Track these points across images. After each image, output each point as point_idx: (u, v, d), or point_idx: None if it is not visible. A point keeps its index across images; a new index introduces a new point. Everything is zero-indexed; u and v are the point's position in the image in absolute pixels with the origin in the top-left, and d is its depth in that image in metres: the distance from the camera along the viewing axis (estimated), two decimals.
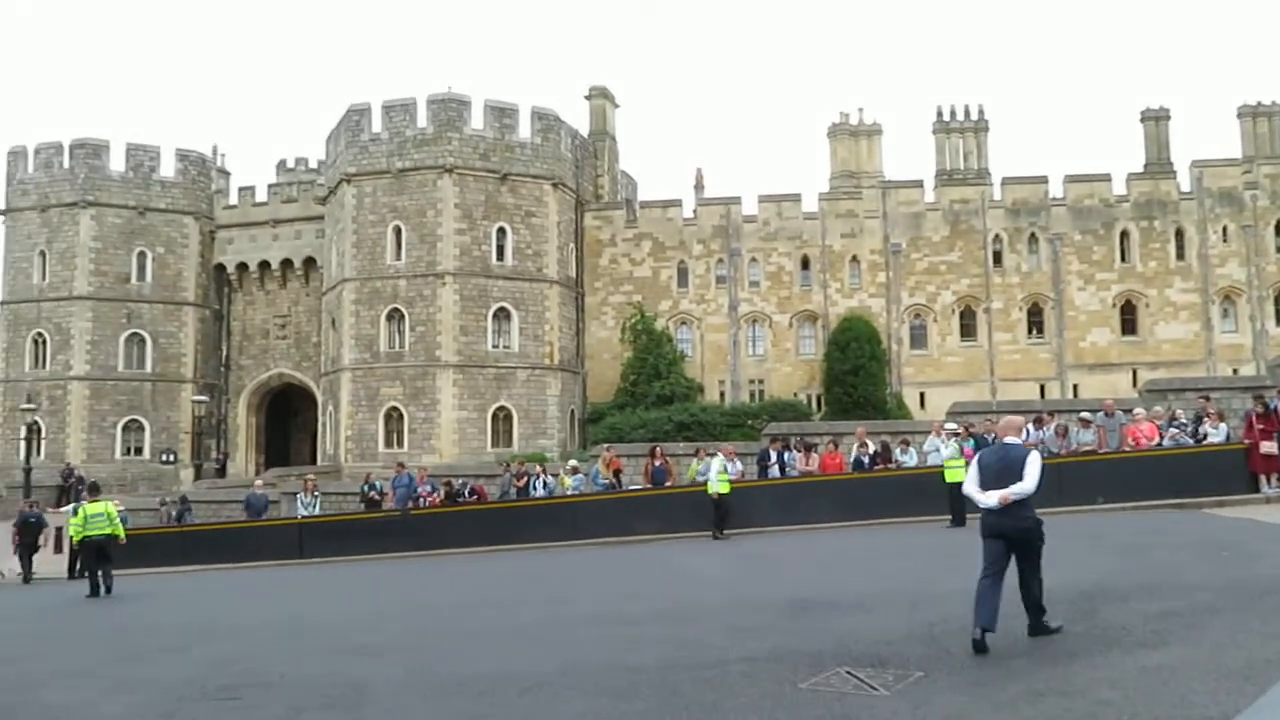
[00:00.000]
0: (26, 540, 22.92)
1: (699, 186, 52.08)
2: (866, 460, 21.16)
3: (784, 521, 19.70)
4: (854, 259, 44.29)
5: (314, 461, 43.69)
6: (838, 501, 18.86)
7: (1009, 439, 8.40)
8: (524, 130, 41.49)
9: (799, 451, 22.02)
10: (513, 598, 13.95)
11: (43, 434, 43.46)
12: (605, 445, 26.78)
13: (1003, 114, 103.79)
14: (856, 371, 41.10)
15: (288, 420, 50.82)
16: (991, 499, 7.88)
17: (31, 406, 40.02)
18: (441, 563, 19.78)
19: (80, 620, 15.82)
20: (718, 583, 13.80)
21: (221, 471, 46.30)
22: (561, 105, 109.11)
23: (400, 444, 39.11)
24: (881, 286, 43.96)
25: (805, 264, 44.54)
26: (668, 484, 22.17)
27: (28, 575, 22.80)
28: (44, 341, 45.75)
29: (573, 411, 42.75)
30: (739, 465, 22.18)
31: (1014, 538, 7.83)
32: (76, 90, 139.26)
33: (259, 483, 26.54)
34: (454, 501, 23.33)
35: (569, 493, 22.41)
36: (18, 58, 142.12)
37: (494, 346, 40.23)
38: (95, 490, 22.86)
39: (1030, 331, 43.55)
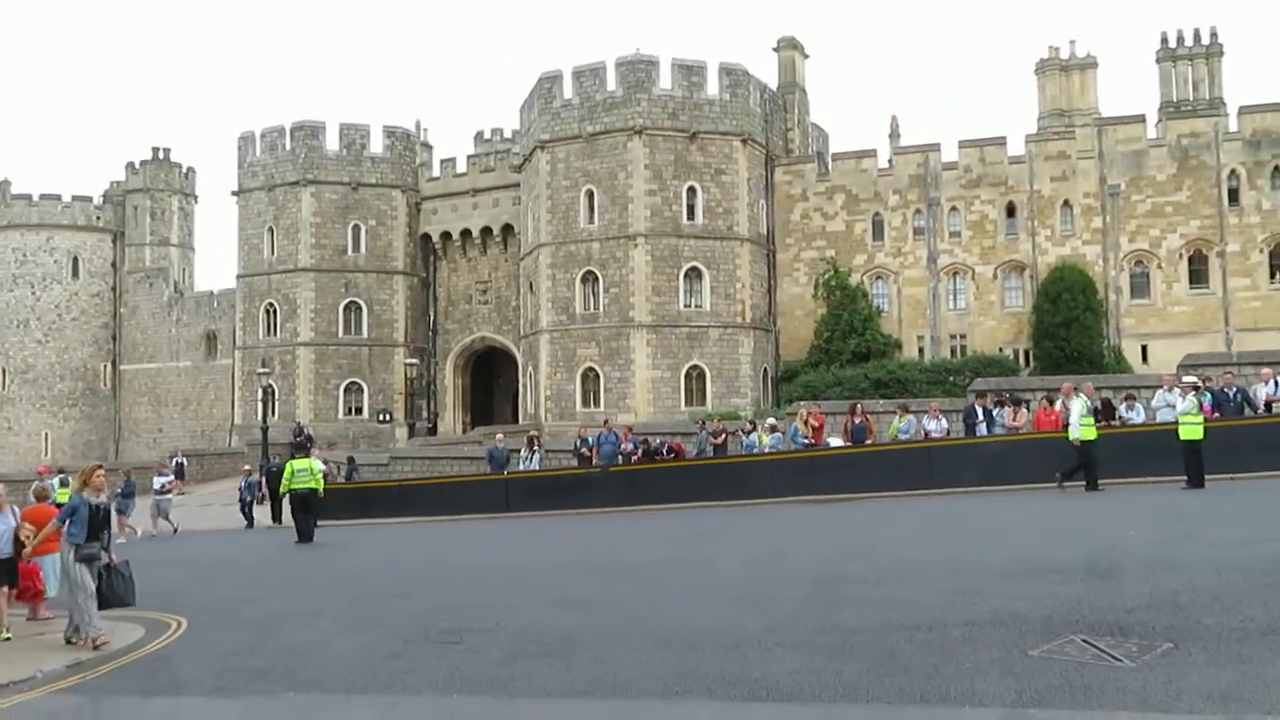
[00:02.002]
0: (273, 488, 25.05)
1: (894, 135, 50.02)
2: None
3: (993, 481, 18.69)
4: (1065, 204, 41.32)
5: (515, 420, 45.43)
6: (1054, 461, 17.63)
7: None
8: (712, 87, 41.02)
9: (1009, 408, 20.85)
10: (715, 555, 13.92)
11: (276, 396, 47.24)
12: (803, 403, 26.30)
13: (1238, 36, 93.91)
14: (1069, 324, 38.48)
15: (491, 381, 53.08)
16: None
17: (266, 371, 43.64)
18: (642, 519, 20.06)
19: (312, 564, 17.08)
20: (926, 544, 13.24)
21: (433, 430, 48.97)
22: (749, 59, 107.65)
23: (597, 403, 39.97)
24: (1097, 232, 40.83)
25: (1011, 211, 41.96)
26: (868, 441, 21.53)
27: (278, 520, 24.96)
28: (274, 311, 49.68)
29: (766, 370, 42.34)
30: (944, 422, 21.27)
31: None
32: (296, 73, 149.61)
33: (500, 436, 27.60)
34: (652, 459, 23.59)
35: (767, 450, 22.17)
36: (242, 45, 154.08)
37: (686, 306, 40.29)
38: (301, 448, 24.76)
39: (1273, 276, 39.32)
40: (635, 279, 39.85)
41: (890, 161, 44.07)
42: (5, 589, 10.98)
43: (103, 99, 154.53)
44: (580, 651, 8.04)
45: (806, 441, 21.79)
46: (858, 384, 36.34)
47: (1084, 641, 6.78)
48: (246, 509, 25.97)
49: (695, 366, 39.93)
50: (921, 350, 41.98)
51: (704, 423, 25.75)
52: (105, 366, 61.60)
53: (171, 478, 26.40)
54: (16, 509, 11.52)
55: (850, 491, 19.53)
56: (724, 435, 24.07)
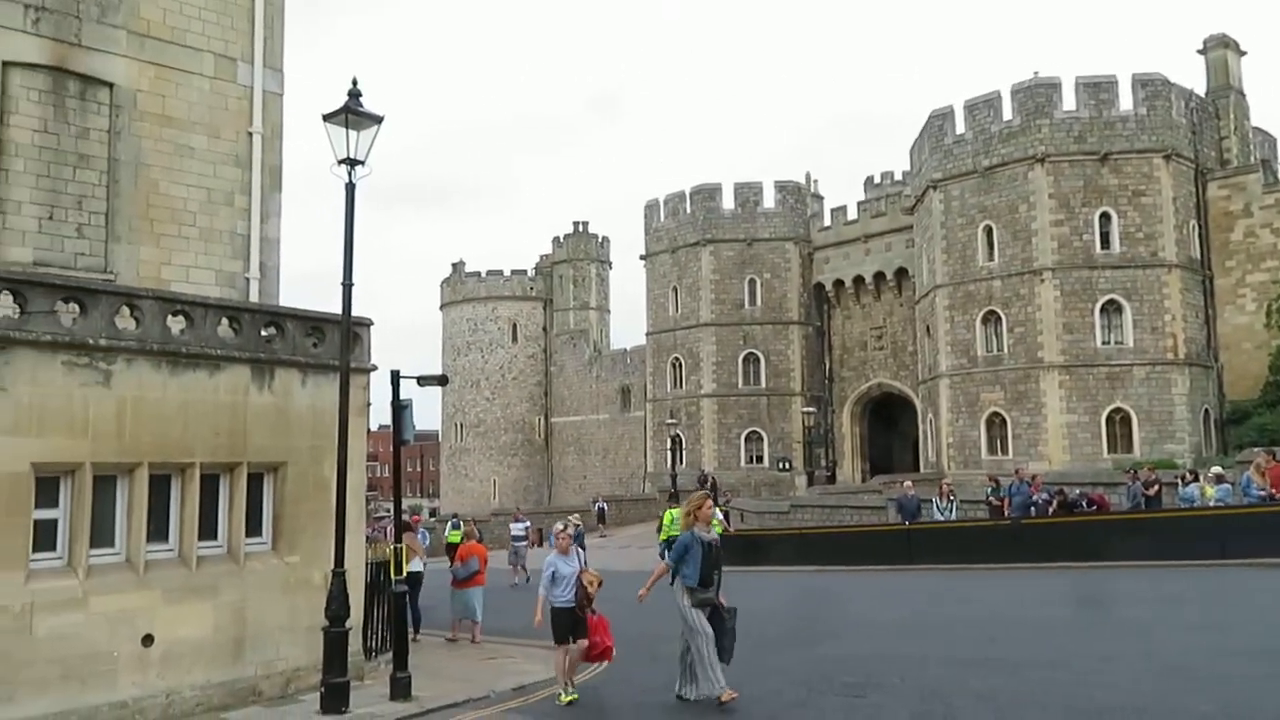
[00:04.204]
0: None
1: None
2: None
3: None
4: None
5: (916, 468, 44.02)
6: None
7: None
8: (1125, 102, 37.43)
9: None
10: (1148, 620, 12.42)
11: (683, 445, 50.09)
12: (1258, 449, 22.77)
13: None
14: None
15: (888, 428, 52.04)
16: None
17: (674, 421, 46.49)
18: (1058, 576, 18.42)
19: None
20: None
21: (831, 478, 48.94)
22: (1168, 65, 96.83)
23: (1004, 450, 37.54)
24: None
25: None
26: None
27: None
28: (680, 365, 52.90)
29: (1206, 411, 37.21)
30: None
31: None
32: (697, 144, 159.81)
33: (908, 484, 26.52)
34: (1069, 511, 21.66)
35: (1212, 504, 19.42)
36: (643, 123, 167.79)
37: (1104, 343, 36.72)
38: (674, 498, 25.34)
39: None
40: (1043, 316, 37.13)
41: None
42: (570, 643, 9.60)
43: (534, 187, 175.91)
44: (993, 718, 7.56)
45: (1263, 494, 18.76)
46: None
47: None
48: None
49: (1118, 409, 36.12)
50: None
51: (1135, 472, 23.17)
52: (539, 420, 69.21)
53: (528, 524, 25.61)
54: (583, 552, 10.20)
55: None
56: (1157, 486, 21.48)
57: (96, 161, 12.28)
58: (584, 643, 9.49)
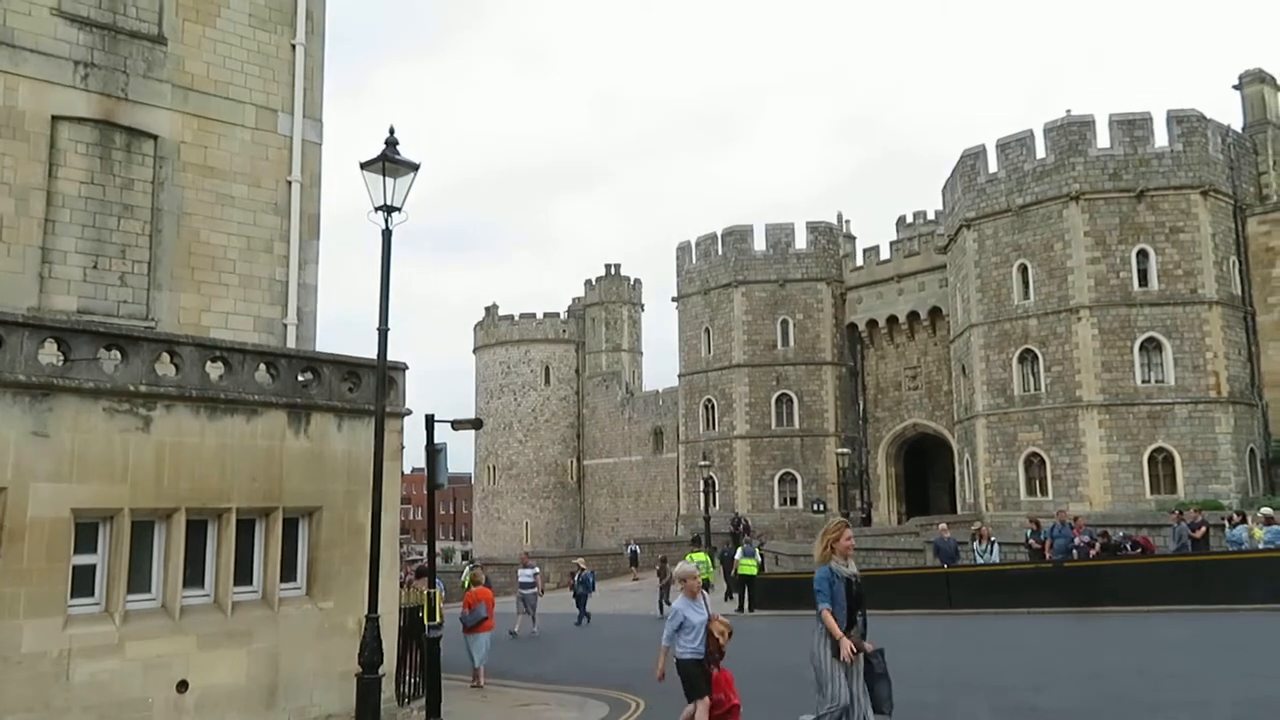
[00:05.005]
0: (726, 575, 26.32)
1: None
2: None
3: None
4: None
5: (953, 510, 43.36)
6: None
7: None
8: (1160, 139, 37.20)
9: None
10: (1198, 668, 12.05)
11: (716, 487, 49.74)
12: None
13: None
14: None
15: (924, 469, 51.40)
16: None
17: (706, 464, 46.21)
18: (1099, 621, 17.99)
19: (752, 653, 17.42)
20: None
21: (867, 520, 48.30)
22: (1204, 101, 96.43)
23: (1044, 491, 36.91)
24: None
25: None
26: None
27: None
28: (712, 406, 52.72)
29: (1252, 450, 36.42)
30: None
31: None
32: (723, 191, 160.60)
33: (943, 527, 25.88)
34: (1113, 554, 21.18)
35: (1261, 546, 18.93)
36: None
37: (1144, 381, 36.13)
38: (696, 542, 25.15)
39: None
40: (1080, 355, 36.65)
41: None
42: (705, 699, 8.66)
43: (565, 232, 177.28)
44: None
45: None
46: None
47: None
48: (580, 602, 24.59)
49: (1160, 449, 35.43)
50: None
51: (1180, 513, 22.69)
52: (571, 462, 69.12)
53: (537, 569, 24.32)
54: (708, 598, 9.37)
55: None
56: (1204, 528, 20.99)
57: (140, 211, 12.54)
58: (706, 701, 8.56)
